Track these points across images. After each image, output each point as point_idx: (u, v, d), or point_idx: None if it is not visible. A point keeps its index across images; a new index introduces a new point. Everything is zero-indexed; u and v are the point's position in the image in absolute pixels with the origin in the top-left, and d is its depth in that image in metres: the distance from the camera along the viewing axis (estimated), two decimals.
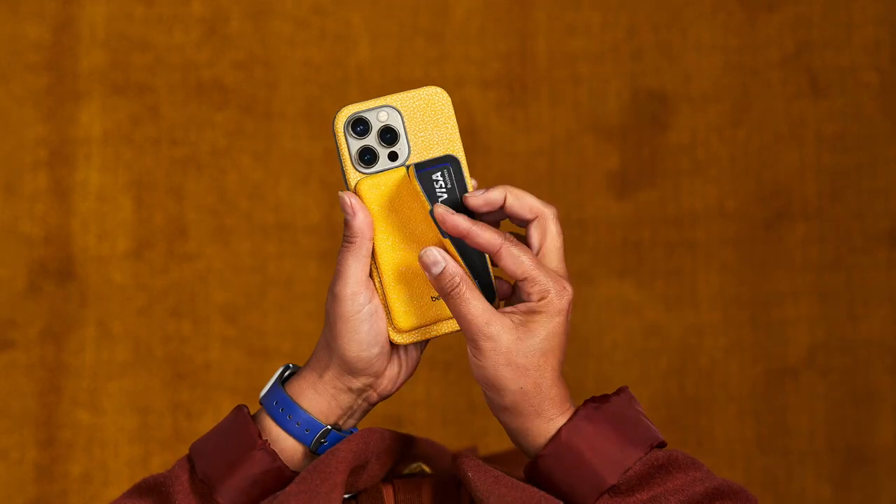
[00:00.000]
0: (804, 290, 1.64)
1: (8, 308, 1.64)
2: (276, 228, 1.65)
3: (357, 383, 0.83)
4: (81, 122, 1.66)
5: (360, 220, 0.81)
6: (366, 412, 0.86)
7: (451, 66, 1.67)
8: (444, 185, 0.83)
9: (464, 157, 0.83)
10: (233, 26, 1.68)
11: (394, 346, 0.84)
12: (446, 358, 1.63)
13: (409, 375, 0.86)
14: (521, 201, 0.83)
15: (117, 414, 1.63)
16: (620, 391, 0.83)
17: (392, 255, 0.82)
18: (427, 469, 0.90)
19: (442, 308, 0.83)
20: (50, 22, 1.67)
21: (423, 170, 0.82)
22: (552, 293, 0.80)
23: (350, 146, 0.82)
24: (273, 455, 0.82)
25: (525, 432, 0.81)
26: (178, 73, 1.67)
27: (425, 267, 0.81)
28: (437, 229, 0.81)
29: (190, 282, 1.65)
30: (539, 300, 0.80)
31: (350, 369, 0.83)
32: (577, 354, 1.61)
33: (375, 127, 0.82)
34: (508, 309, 0.81)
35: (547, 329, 0.80)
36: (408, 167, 0.82)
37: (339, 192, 0.82)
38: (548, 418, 0.80)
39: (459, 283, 0.80)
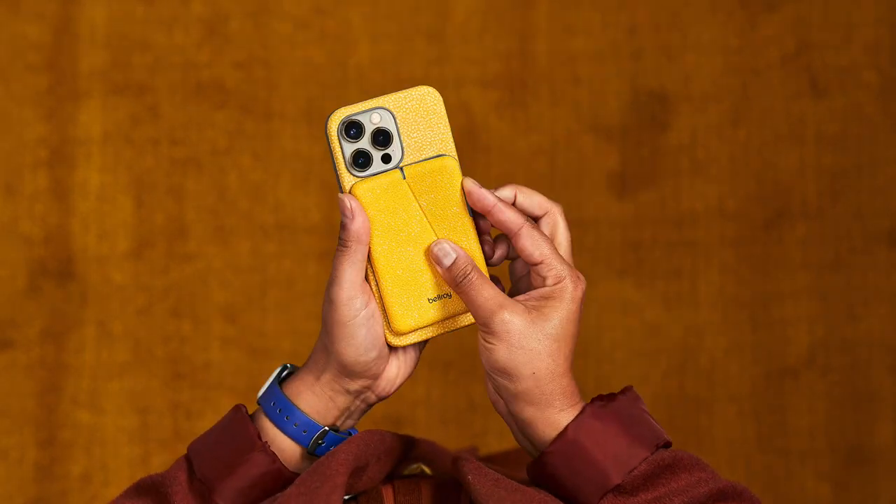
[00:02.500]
0: (804, 290, 1.64)
1: (8, 308, 1.63)
2: (276, 228, 1.65)
3: (354, 385, 0.83)
4: (81, 122, 1.66)
5: (357, 225, 0.81)
6: (364, 412, 0.86)
7: (451, 66, 1.67)
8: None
9: (456, 157, 0.82)
10: (233, 26, 1.68)
11: (391, 348, 0.84)
12: (446, 358, 1.63)
13: (408, 376, 0.85)
14: (531, 199, 0.84)
15: (117, 414, 1.63)
16: (626, 390, 0.83)
17: (388, 258, 0.82)
18: (427, 470, 0.90)
19: (438, 310, 0.83)
20: (50, 22, 1.67)
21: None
22: (567, 279, 0.80)
23: (344, 150, 0.81)
24: (272, 456, 0.82)
25: (534, 423, 0.81)
26: (178, 73, 1.67)
27: (436, 259, 0.81)
28: (431, 231, 0.81)
29: (190, 282, 1.65)
30: (554, 284, 0.80)
31: (348, 372, 0.83)
32: (577, 355, 1.61)
33: (368, 129, 0.82)
34: (521, 297, 0.82)
35: (561, 315, 0.80)
36: (401, 169, 0.81)
37: (339, 195, 0.82)
38: (558, 409, 0.81)
39: (471, 272, 0.80)
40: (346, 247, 0.81)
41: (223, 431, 0.84)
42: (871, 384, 1.62)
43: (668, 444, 0.81)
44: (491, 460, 1.05)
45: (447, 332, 0.84)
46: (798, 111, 1.65)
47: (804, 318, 1.63)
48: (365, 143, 0.82)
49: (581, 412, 0.80)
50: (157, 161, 1.66)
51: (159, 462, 1.62)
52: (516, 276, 0.87)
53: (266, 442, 0.83)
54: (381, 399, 0.85)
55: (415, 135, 0.82)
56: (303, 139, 1.66)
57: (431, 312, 0.83)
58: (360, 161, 0.82)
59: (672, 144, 1.66)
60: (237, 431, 0.83)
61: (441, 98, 0.82)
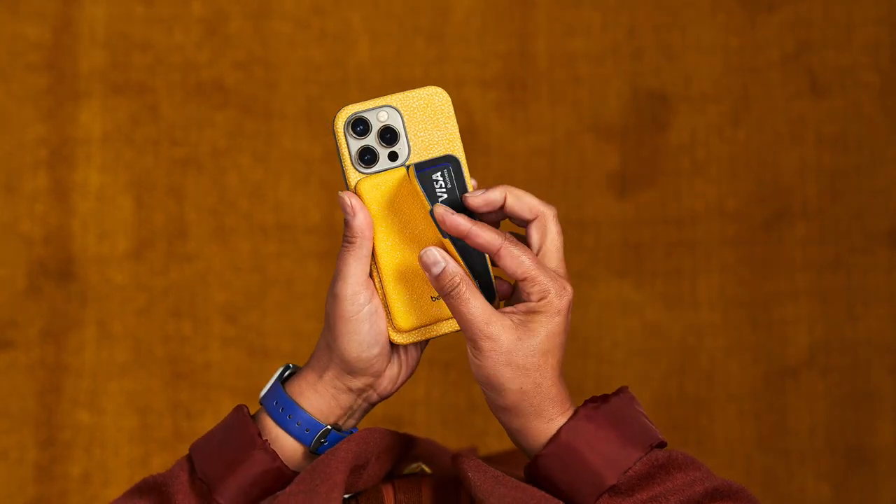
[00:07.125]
0: (804, 290, 1.64)
1: (8, 308, 1.64)
2: (276, 228, 1.65)
3: (357, 383, 0.84)
4: (81, 122, 1.66)
5: (359, 220, 0.81)
6: (366, 412, 0.86)
7: (451, 66, 1.67)
8: (444, 185, 0.83)
9: (464, 157, 0.83)
10: (233, 26, 1.68)
11: (394, 346, 0.84)
12: (446, 358, 1.64)
13: (409, 375, 0.86)
14: (521, 201, 0.83)
15: (117, 414, 1.63)
16: (621, 391, 0.83)
17: (392, 255, 0.82)
18: (427, 469, 0.90)
19: (441, 308, 0.83)
20: (50, 22, 1.67)
21: (423, 170, 0.82)
22: (552, 293, 0.80)
23: (350, 146, 0.82)
24: (273, 455, 0.82)
25: (525, 432, 0.81)
26: (178, 73, 1.67)
27: (425, 267, 0.81)
28: (437, 229, 0.81)
29: (190, 282, 1.65)
30: (539, 300, 0.80)
31: (350, 369, 0.83)
32: (576, 355, 1.61)
33: (375, 127, 0.82)
34: (508, 309, 0.81)
35: (547, 329, 0.80)
36: (408, 167, 0.82)
37: (339, 193, 0.82)
38: (548, 418, 0.80)
39: (459, 283, 0.80)
40: (351, 242, 0.81)
41: (225, 431, 0.85)
42: (871, 384, 1.62)
43: (662, 444, 0.81)
44: (491, 460, 1.05)
45: (451, 332, 0.84)
46: (798, 111, 1.65)
47: (804, 318, 1.63)
48: (371, 140, 0.82)
49: (574, 415, 0.80)
50: (157, 161, 1.66)
51: (159, 462, 1.62)
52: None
53: (266, 440, 0.83)
54: (382, 398, 0.85)
55: (422, 134, 0.82)
56: (303, 139, 1.66)
57: (433, 311, 0.83)
58: (367, 158, 0.82)
59: (672, 144, 1.66)
60: (238, 431, 0.84)
61: (449, 98, 0.83)
